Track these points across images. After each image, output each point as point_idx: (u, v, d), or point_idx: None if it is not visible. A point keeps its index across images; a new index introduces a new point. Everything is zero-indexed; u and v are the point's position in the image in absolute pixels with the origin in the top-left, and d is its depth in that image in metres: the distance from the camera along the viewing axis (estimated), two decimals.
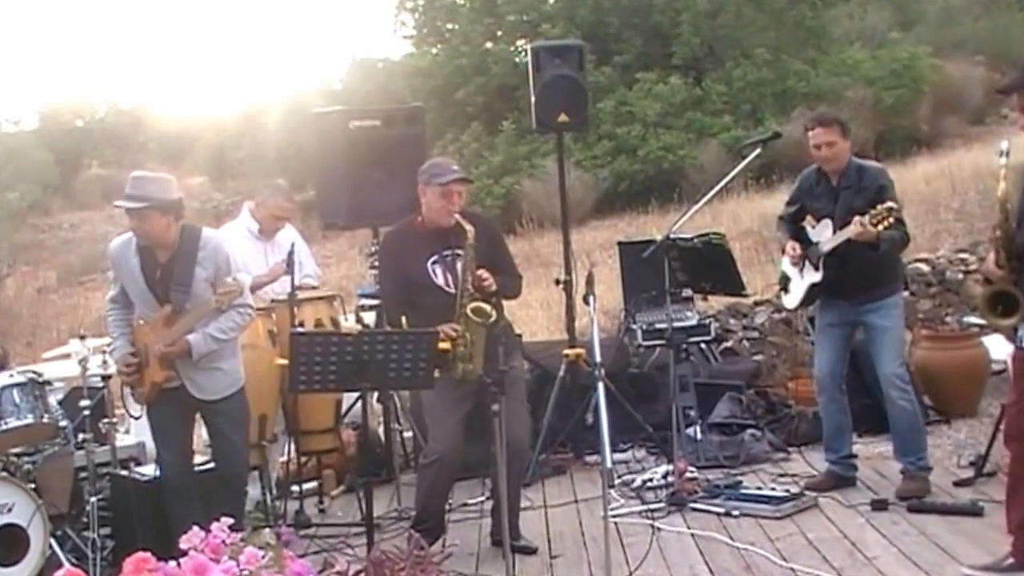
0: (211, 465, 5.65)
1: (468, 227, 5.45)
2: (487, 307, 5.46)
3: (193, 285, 5.33)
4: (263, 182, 7.03)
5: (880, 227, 5.66)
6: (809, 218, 6.22)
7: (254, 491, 6.35)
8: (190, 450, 5.64)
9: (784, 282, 6.34)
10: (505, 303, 5.73)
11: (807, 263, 6.14)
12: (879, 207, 5.68)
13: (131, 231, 5.32)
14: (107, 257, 5.51)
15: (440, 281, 5.54)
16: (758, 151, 6.47)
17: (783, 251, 6.30)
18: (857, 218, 5.72)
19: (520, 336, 7.76)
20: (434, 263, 5.55)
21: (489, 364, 5.42)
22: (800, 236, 6.20)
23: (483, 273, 5.46)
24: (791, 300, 6.33)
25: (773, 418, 7.62)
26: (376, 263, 6.68)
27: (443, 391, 5.45)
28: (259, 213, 6.80)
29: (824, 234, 6.03)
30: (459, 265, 5.51)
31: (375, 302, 7.04)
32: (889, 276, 6.04)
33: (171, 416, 5.46)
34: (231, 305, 5.34)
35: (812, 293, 6.17)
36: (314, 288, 6.87)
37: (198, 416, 5.61)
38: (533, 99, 7.40)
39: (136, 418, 5.55)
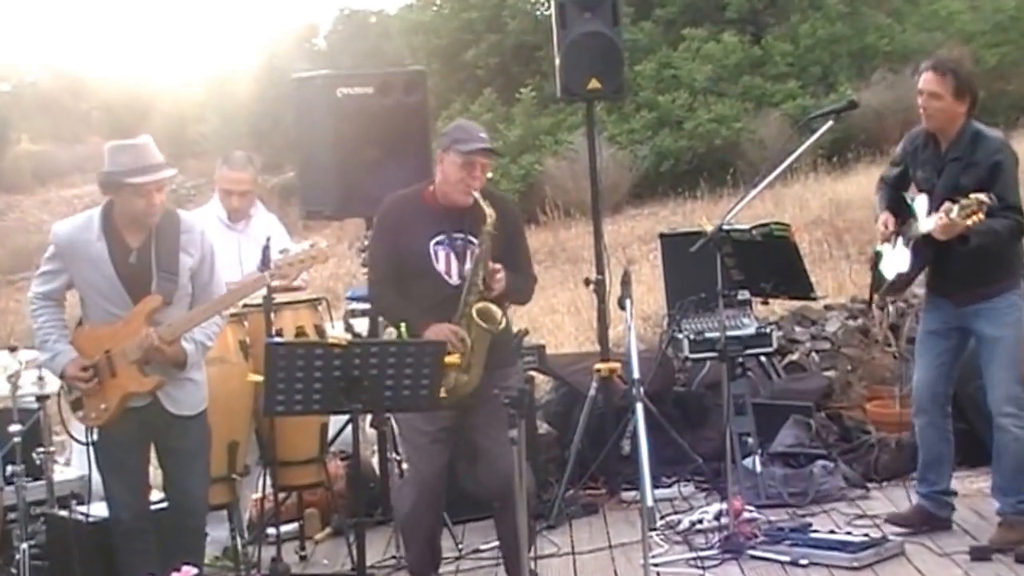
0: (164, 503, 5.66)
1: (489, 211, 5.46)
2: (496, 310, 5.46)
3: (180, 274, 5.37)
4: (224, 152, 7.05)
5: (970, 221, 5.60)
6: (914, 187, 6.17)
7: (220, 533, 6.38)
8: (147, 484, 5.67)
9: (876, 260, 6.30)
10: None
11: (900, 242, 6.11)
12: (971, 197, 5.61)
13: (141, 209, 5.28)
14: (53, 243, 5.45)
15: (440, 266, 5.54)
16: (830, 123, 6.46)
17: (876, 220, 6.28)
18: (945, 206, 5.69)
19: (543, 347, 7.80)
20: (437, 244, 5.55)
21: (487, 375, 5.47)
22: (900, 206, 6.16)
23: (497, 267, 5.46)
24: (878, 286, 6.32)
25: (848, 447, 7.61)
26: (368, 259, 6.70)
27: (424, 422, 5.51)
28: (216, 190, 6.85)
29: (922, 210, 5.97)
30: (469, 253, 5.52)
31: (368, 306, 7.07)
32: (1001, 271, 5.93)
33: (127, 443, 5.47)
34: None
35: (899, 282, 6.14)
36: (296, 289, 6.89)
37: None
38: (558, 61, 7.42)
39: (86, 444, 5.53)
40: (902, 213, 6.12)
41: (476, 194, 5.48)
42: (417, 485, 5.65)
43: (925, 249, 5.94)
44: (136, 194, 5.27)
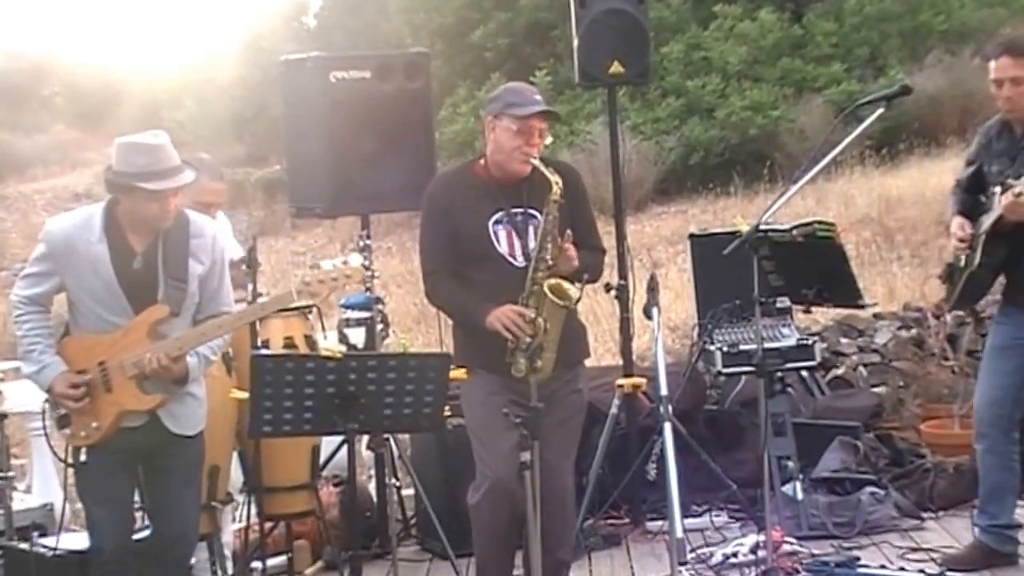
0: (145, 532, 5.67)
1: (554, 178, 5.43)
2: (570, 286, 5.41)
3: (189, 282, 5.37)
4: (192, 156, 7.05)
5: None
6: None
7: (198, 568, 6.38)
8: (133, 513, 5.66)
9: (948, 273, 6.30)
10: None
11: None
12: None
13: (154, 214, 5.27)
14: (44, 241, 5.41)
15: (503, 248, 5.53)
16: (880, 111, 6.45)
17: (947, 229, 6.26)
18: (1010, 182, 5.69)
19: None
20: (496, 223, 5.56)
21: (556, 372, 5.40)
22: (976, 210, 6.13)
23: (568, 243, 5.42)
24: (950, 298, 6.31)
25: (901, 472, 7.61)
26: (370, 266, 6.69)
27: (493, 399, 5.44)
28: (184, 201, 6.83)
29: (996, 205, 5.97)
30: (532, 229, 5.51)
31: (364, 315, 7.08)
32: None
33: (118, 466, 5.43)
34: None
35: (970, 288, 6.11)
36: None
37: None
38: (576, 42, 7.43)
39: (73, 466, 5.50)
40: (978, 216, 6.11)
41: (535, 161, 5.48)
42: (489, 484, 5.53)
43: (996, 246, 5.92)
44: (151, 199, 5.25)
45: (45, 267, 5.41)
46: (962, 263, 6.13)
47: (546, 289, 5.37)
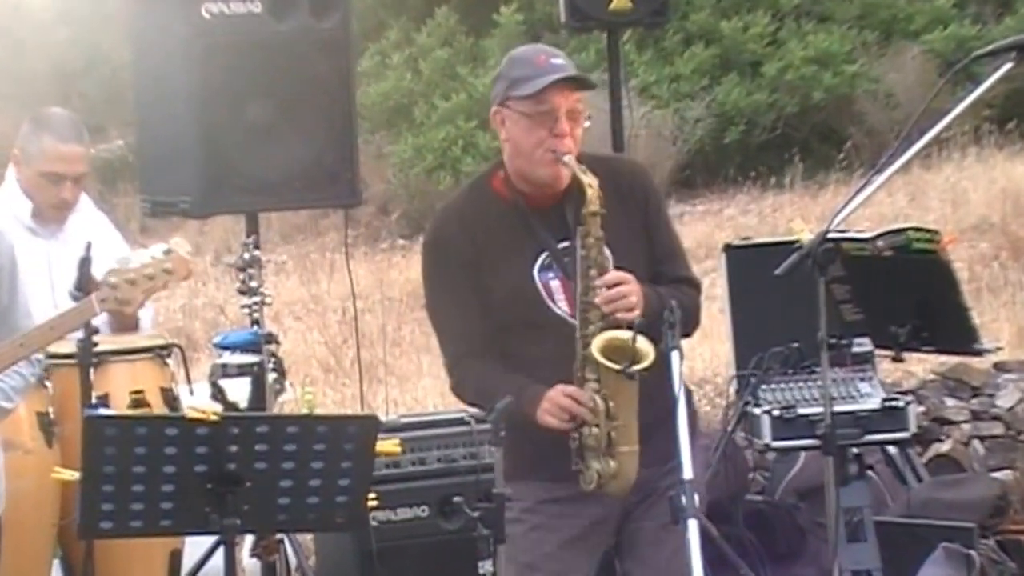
0: None
1: (587, 178, 5.20)
2: (628, 338, 5.14)
3: None
4: (28, 118, 7.09)
5: None
6: None
7: None
8: None
9: None
10: None
11: None
12: None
13: None
14: None
15: (562, 308, 5.34)
16: (1007, 67, 6.52)
17: None
18: None
19: None
20: (544, 270, 5.37)
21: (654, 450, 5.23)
22: None
23: (616, 277, 5.23)
24: None
25: None
26: (259, 289, 6.69)
27: (548, 533, 5.35)
28: (23, 174, 6.84)
29: None
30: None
31: (249, 359, 7.08)
32: None
33: None
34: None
35: None
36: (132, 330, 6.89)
37: None
38: None
39: None
40: None
41: (569, 159, 5.22)
42: None
43: None
44: None
45: None
46: None
47: (594, 351, 5.18)
